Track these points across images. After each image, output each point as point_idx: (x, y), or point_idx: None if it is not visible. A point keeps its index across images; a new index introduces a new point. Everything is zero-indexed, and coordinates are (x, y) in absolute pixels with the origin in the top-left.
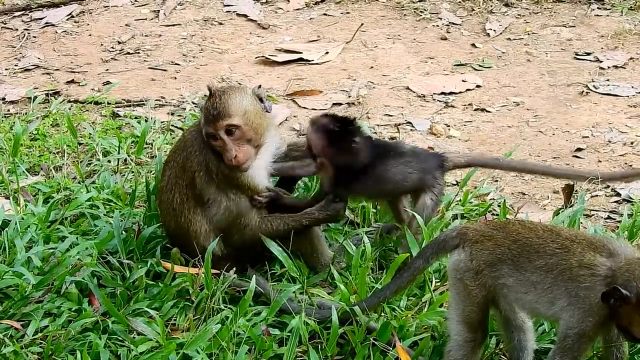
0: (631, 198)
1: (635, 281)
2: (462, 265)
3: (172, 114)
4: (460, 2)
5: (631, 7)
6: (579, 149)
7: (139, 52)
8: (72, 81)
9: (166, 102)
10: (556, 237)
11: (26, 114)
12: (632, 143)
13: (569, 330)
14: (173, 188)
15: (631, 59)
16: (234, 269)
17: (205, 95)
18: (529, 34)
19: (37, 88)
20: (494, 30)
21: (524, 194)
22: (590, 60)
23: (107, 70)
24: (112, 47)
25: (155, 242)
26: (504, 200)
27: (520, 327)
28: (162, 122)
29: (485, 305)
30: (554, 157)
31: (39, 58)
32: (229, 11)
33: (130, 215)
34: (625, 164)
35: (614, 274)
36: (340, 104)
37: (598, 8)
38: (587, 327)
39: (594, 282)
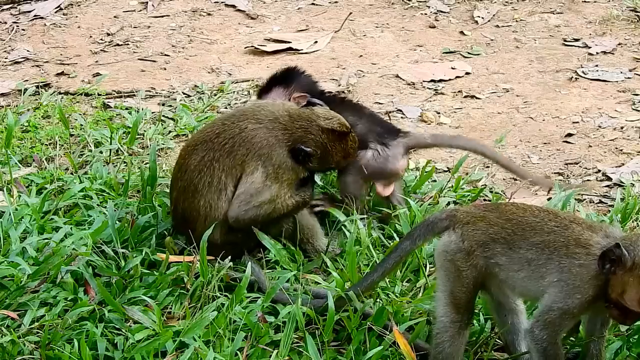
0: (622, 182)
1: (633, 245)
2: (453, 247)
3: (163, 105)
4: None
5: None
6: (569, 134)
7: (128, 44)
8: (62, 73)
9: (156, 93)
10: (554, 216)
11: (17, 106)
12: (621, 128)
13: (554, 304)
14: (204, 169)
15: (619, 44)
16: (230, 257)
17: (195, 86)
18: (517, 21)
19: (27, 80)
20: (482, 18)
21: (515, 179)
22: (578, 47)
23: (96, 61)
24: (101, 39)
25: (150, 231)
26: (502, 190)
27: (512, 310)
28: (152, 112)
29: (475, 286)
30: (545, 143)
31: (28, 51)
32: (217, 2)
33: (124, 205)
34: (616, 148)
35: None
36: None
37: None
38: (573, 303)
39: (589, 260)
